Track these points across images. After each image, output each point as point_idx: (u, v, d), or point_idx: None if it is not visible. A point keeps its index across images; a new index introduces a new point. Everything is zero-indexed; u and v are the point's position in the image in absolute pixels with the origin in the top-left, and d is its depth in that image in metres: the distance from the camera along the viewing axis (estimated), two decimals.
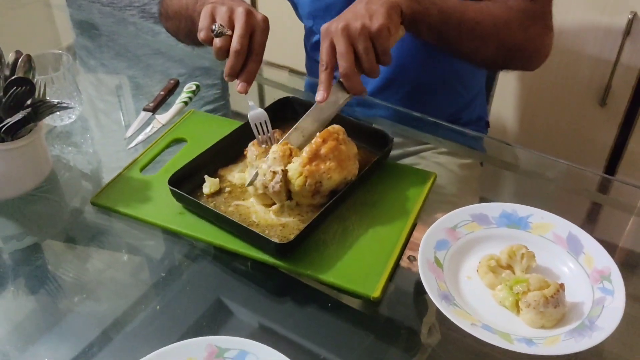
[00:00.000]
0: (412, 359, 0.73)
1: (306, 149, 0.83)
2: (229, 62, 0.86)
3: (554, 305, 0.67)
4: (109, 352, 0.70)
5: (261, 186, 0.83)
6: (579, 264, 0.75)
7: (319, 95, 0.84)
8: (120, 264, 0.83)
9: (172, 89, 1.07)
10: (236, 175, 0.89)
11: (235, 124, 0.97)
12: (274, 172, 0.81)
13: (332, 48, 0.84)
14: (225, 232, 0.81)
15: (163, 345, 0.65)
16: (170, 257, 0.83)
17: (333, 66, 0.85)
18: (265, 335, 0.73)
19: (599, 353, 0.70)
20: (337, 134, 0.84)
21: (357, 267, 0.77)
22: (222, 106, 1.34)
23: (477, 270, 0.75)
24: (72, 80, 1.01)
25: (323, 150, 0.82)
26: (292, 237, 0.78)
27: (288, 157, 0.83)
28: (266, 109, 0.90)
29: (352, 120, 0.94)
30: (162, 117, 1.00)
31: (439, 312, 0.69)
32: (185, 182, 0.86)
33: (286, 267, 0.77)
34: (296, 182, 0.81)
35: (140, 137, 0.97)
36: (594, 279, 0.72)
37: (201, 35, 0.88)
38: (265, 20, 0.88)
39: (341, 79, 0.85)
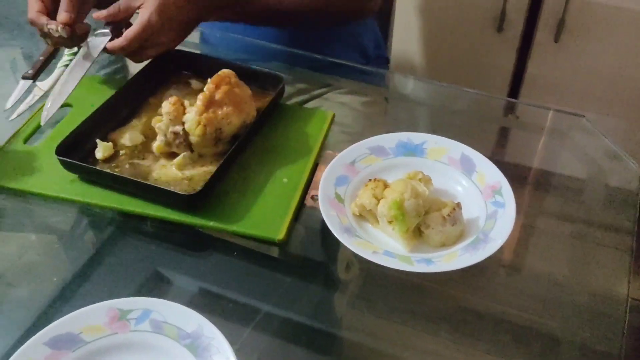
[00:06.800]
0: (326, 297, 0.74)
1: (200, 96, 0.80)
2: None
3: (451, 224, 0.69)
4: (2, 330, 0.67)
5: (165, 146, 0.81)
6: (472, 182, 0.77)
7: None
8: (10, 239, 0.79)
9: (52, 53, 1.01)
10: (128, 136, 0.86)
11: (121, 83, 0.93)
12: (175, 133, 0.80)
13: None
14: (121, 195, 0.78)
15: (62, 315, 0.62)
16: (66, 227, 0.80)
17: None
18: (174, 292, 0.72)
19: (496, 264, 0.73)
20: (229, 77, 0.83)
21: (260, 212, 0.76)
22: (119, 69, 1.28)
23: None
24: None
25: (218, 96, 0.80)
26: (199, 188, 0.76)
27: (182, 113, 0.81)
28: (149, 67, 0.94)
29: (240, 66, 0.91)
30: (44, 84, 0.94)
31: (345, 247, 0.70)
32: (74, 151, 0.81)
33: (188, 221, 0.75)
34: (196, 131, 0.79)
35: (22, 107, 0.91)
36: (486, 195, 0.75)
37: None
38: None
39: (123, 45, 0.88)
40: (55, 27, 0.87)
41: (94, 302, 0.63)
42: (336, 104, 1.12)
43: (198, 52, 1.16)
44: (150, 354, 0.61)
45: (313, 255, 0.78)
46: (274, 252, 0.77)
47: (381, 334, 0.70)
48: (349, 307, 0.73)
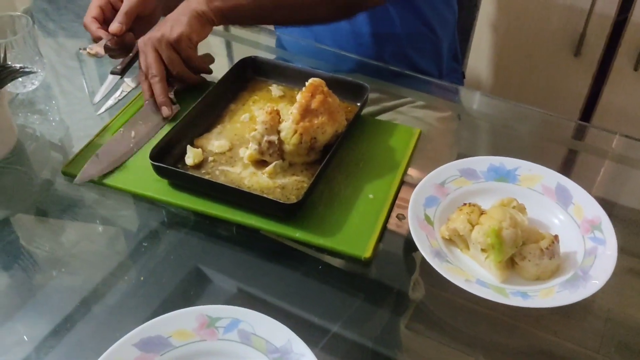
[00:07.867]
0: (405, 318, 0.72)
1: (296, 105, 0.80)
2: None
3: (549, 257, 0.67)
4: (91, 326, 0.67)
5: (257, 154, 0.81)
6: (568, 214, 0.74)
7: (165, 112, 0.89)
8: (97, 235, 0.80)
9: None
10: (215, 143, 0.85)
11: (207, 84, 0.93)
12: (270, 142, 0.79)
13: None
14: (208, 200, 0.78)
15: (147, 316, 0.62)
16: (148, 226, 0.80)
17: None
18: (255, 302, 0.71)
19: (589, 304, 0.70)
20: (321, 86, 0.81)
21: (346, 228, 0.75)
22: None
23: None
24: (32, 44, 0.95)
25: (313, 105, 0.80)
26: (293, 198, 0.76)
27: (278, 122, 0.80)
28: (231, 71, 0.93)
29: (324, 74, 0.90)
30: (132, 80, 0.95)
31: (429, 270, 0.68)
32: (165, 156, 0.81)
33: (275, 231, 0.75)
34: (291, 140, 0.79)
35: (110, 102, 0.92)
36: (584, 229, 0.72)
37: None
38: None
39: (151, 82, 0.89)
40: (89, 50, 0.93)
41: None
42: (411, 119, 1.10)
43: (273, 56, 1.16)
44: None
45: (393, 276, 0.76)
46: (353, 268, 0.76)
47: None
48: (416, 330, 0.71)
